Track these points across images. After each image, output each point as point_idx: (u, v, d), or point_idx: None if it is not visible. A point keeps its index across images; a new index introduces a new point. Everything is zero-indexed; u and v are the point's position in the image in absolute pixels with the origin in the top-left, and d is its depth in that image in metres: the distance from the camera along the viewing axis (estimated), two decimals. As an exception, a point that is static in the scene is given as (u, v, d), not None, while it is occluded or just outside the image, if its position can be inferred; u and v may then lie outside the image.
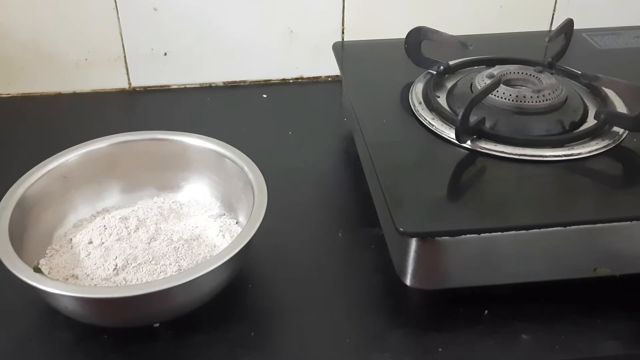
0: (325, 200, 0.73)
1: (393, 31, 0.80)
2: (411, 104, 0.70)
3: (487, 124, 0.64)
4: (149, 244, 0.61)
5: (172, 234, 0.63)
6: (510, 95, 0.66)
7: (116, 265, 0.59)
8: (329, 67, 0.89)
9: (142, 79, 0.95)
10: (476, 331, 0.58)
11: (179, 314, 0.57)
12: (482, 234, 0.54)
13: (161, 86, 0.96)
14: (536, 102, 0.66)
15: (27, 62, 0.91)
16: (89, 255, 0.60)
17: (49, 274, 0.59)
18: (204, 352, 0.56)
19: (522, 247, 0.56)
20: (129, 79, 0.95)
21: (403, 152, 0.64)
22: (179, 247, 0.61)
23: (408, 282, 0.57)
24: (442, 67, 0.74)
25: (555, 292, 0.60)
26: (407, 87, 0.73)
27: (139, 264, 0.59)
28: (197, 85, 0.96)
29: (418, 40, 0.75)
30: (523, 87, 0.69)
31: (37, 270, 0.58)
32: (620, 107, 0.68)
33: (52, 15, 0.89)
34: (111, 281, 0.58)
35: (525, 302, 0.60)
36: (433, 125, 0.66)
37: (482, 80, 0.69)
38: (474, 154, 0.62)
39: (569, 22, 0.77)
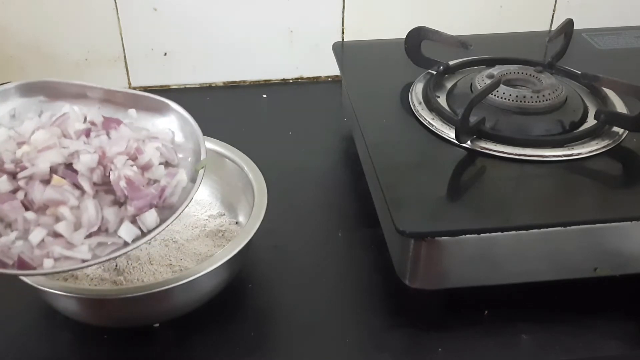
0: (325, 200, 0.73)
1: (393, 31, 0.80)
2: (411, 104, 0.70)
3: (487, 124, 0.64)
4: (149, 244, 0.61)
5: (172, 234, 0.63)
6: (510, 95, 0.66)
7: (116, 265, 0.59)
8: (329, 67, 0.89)
9: (142, 79, 0.95)
10: (476, 331, 0.58)
11: (179, 314, 0.57)
12: (482, 234, 0.54)
13: (161, 86, 0.96)
14: (536, 102, 0.66)
15: (27, 62, 0.91)
16: (89, 255, 0.60)
17: (49, 274, 0.59)
18: (203, 352, 0.56)
19: (522, 247, 0.56)
20: (129, 79, 0.95)
21: (403, 152, 0.64)
22: (179, 247, 0.61)
23: (408, 282, 0.57)
24: (442, 67, 0.74)
25: (555, 292, 0.60)
26: (407, 87, 0.73)
27: (139, 263, 0.59)
28: (197, 85, 0.96)
29: (418, 40, 0.75)
30: (523, 87, 0.69)
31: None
32: (620, 107, 0.68)
33: (52, 15, 0.89)
34: (111, 281, 0.58)
35: (525, 302, 0.60)
36: (433, 125, 0.66)
37: (482, 80, 0.69)
38: (474, 154, 0.62)
39: (569, 22, 0.77)
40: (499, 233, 0.54)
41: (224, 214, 0.67)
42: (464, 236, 0.54)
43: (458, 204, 0.58)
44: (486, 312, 0.59)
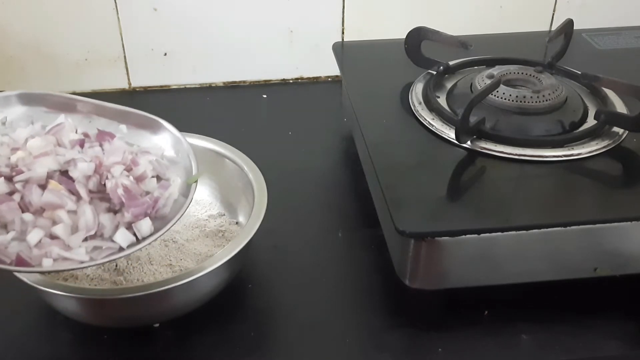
0: (325, 200, 0.73)
1: (393, 31, 0.80)
2: (411, 104, 0.70)
3: (487, 124, 0.64)
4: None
5: (172, 234, 0.63)
6: (510, 95, 0.66)
7: (116, 265, 0.59)
8: (329, 67, 0.89)
9: (142, 79, 0.95)
10: (476, 331, 0.58)
11: (179, 314, 0.57)
12: (482, 234, 0.54)
13: (161, 86, 0.96)
14: (536, 102, 0.66)
15: (27, 62, 0.91)
16: (89, 255, 0.60)
17: (49, 274, 0.59)
18: (203, 352, 0.56)
19: (522, 247, 0.56)
20: (129, 79, 0.95)
21: (403, 152, 0.64)
22: (179, 247, 0.61)
23: (408, 282, 0.57)
24: (442, 67, 0.74)
25: (555, 292, 0.60)
26: (407, 87, 0.73)
27: (139, 264, 0.59)
28: (197, 85, 0.96)
29: (418, 40, 0.75)
30: (523, 88, 0.69)
31: (37, 270, 0.58)
32: (620, 107, 0.68)
33: (52, 15, 0.89)
34: (111, 281, 0.58)
35: (525, 302, 0.60)
36: (433, 125, 0.66)
37: (482, 80, 0.69)
38: (474, 154, 0.62)
39: (569, 22, 0.77)
40: (499, 233, 0.54)
41: (224, 214, 0.67)
42: (464, 236, 0.54)
43: (458, 204, 0.58)
44: (486, 312, 0.59)
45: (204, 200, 0.68)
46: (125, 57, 0.93)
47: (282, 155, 0.80)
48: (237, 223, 0.66)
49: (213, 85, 0.97)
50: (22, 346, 0.57)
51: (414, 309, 0.60)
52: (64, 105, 0.58)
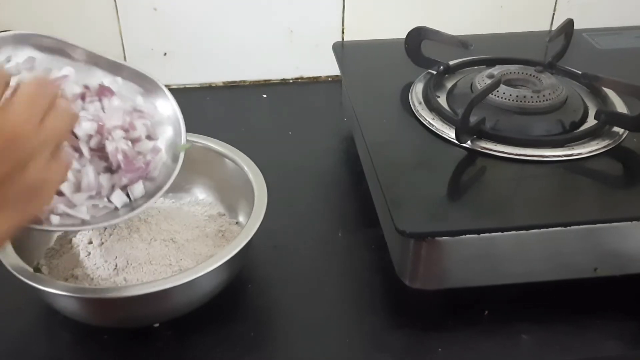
0: (325, 200, 0.73)
1: (393, 31, 0.80)
2: (411, 104, 0.70)
3: (488, 124, 0.64)
4: (149, 244, 0.61)
5: (172, 234, 0.63)
6: (510, 95, 0.66)
7: (116, 265, 0.59)
8: (329, 67, 0.89)
9: (142, 79, 0.95)
10: (476, 331, 0.58)
11: (179, 314, 0.57)
12: (482, 234, 0.54)
13: (161, 86, 0.96)
14: (536, 102, 0.66)
15: (27, 62, 0.91)
16: (89, 255, 0.60)
17: (49, 274, 0.59)
18: (203, 352, 0.56)
19: (522, 247, 0.56)
20: (129, 79, 0.95)
21: (403, 152, 0.64)
22: (179, 247, 0.61)
23: (408, 282, 0.57)
24: (442, 67, 0.74)
25: (555, 292, 0.60)
26: (407, 87, 0.73)
27: (139, 264, 0.59)
28: (197, 85, 0.96)
29: (418, 40, 0.75)
30: (523, 87, 0.69)
31: (37, 270, 0.58)
32: (620, 107, 0.68)
33: (52, 15, 0.89)
34: (111, 281, 0.58)
35: (525, 302, 0.60)
36: (433, 125, 0.66)
37: (482, 80, 0.69)
38: (474, 154, 0.62)
39: (569, 22, 0.77)
40: (499, 233, 0.54)
41: (224, 214, 0.67)
42: (464, 236, 0.54)
43: (458, 204, 0.58)
44: (486, 312, 0.59)
45: (204, 200, 0.68)
46: (125, 57, 0.93)
47: (282, 155, 0.80)
48: (237, 223, 0.66)
49: (213, 85, 0.97)
50: (22, 346, 0.57)
51: (414, 309, 0.60)
52: (58, 51, 0.58)
